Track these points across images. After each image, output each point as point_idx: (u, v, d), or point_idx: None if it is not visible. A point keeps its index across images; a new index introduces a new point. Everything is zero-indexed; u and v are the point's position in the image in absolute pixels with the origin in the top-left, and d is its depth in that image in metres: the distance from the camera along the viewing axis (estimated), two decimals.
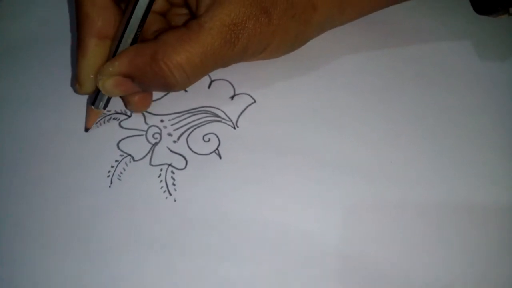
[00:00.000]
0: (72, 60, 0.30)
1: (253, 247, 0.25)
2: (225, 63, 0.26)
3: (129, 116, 0.29)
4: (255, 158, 0.27)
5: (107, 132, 0.28)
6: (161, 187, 0.27)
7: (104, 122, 0.29)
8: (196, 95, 0.30)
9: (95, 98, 0.27)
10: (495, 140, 0.29)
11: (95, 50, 0.26)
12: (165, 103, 0.29)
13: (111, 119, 0.29)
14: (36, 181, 0.27)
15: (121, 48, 0.25)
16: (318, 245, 0.25)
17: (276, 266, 0.25)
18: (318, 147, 0.28)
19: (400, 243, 0.26)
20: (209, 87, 0.30)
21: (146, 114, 0.29)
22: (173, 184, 0.27)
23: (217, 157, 0.28)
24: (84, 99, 0.29)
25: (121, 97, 0.29)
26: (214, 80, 0.30)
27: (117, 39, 0.25)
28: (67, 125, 0.28)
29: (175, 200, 0.26)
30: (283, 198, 0.26)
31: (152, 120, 0.29)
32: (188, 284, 0.25)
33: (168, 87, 0.26)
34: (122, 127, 0.29)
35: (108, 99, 0.27)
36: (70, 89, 0.30)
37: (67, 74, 0.30)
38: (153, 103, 0.29)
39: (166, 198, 0.26)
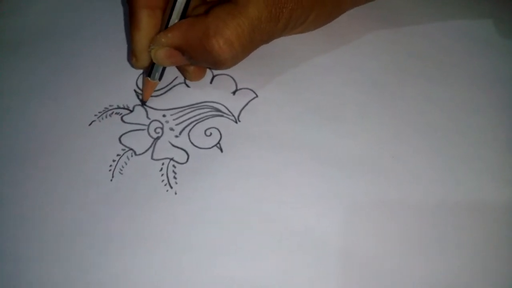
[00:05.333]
0: (127, 36, 0.31)
1: (255, 241, 0.25)
2: (269, 38, 0.27)
3: (131, 111, 0.29)
4: (257, 153, 0.27)
5: (109, 126, 0.28)
6: (162, 181, 0.27)
7: (106, 117, 0.29)
8: (198, 90, 0.30)
9: (151, 70, 0.28)
10: (498, 136, 0.28)
11: (148, 22, 0.27)
12: (167, 98, 0.29)
13: (113, 113, 0.29)
14: (39, 176, 0.27)
15: (172, 19, 0.26)
16: (320, 239, 0.25)
17: (278, 260, 0.25)
18: (320, 142, 0.28)
19: (402, 240, 0.25)
20: (211, 82, 0.30)
21: (148, 108, 0.29)
22: (174, 178, 0.27)
23: (219, 151, 0.27)
24: (89, 92, 0.29)
25: (177, 67, 0.29)
26: (216, 75, 0.30)
27: (169, 10, 0.26)
28: (69, 120, 0.29)
29: (176, 194, 0.26)
30: (284, 192, 0.26)
31: (154, 114, 0.29)
32: (189, 278, 0.24)
33: (217, 64, 0.26)
34: (124, 122, 0.29)
35: (163, 70, 0.28)
36: (76, 83, 0.30)
37: (70, 68, 0.30)
38: (155, 98, 0.29)
39: (167, 191, 0.26)
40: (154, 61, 0.27)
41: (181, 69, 0.29)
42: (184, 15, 0.27)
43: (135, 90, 0.30)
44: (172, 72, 0.30)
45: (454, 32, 0.32)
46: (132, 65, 0.29)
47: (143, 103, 0.29)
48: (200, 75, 0.29)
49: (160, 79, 0.28)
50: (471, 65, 0.31)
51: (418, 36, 0.32)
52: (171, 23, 0.26)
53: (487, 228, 0.26)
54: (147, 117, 0.29)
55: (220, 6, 0.25)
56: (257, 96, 0.29)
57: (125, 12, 0.33)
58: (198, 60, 0.27)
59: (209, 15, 0.25)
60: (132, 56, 0.28)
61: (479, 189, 0.27)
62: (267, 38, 0.27)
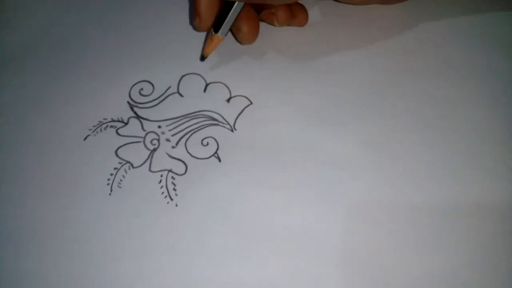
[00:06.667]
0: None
1: (256, 248, 0.25)
2: None
3: (126, 124, 0.29)
4: (255, 160, 0.28)
5: (105, 140, 0.28)
6: (162, 193, 0.27)
7: (101, 130, 0.28)
8: (192, 99, 0.30)
9: (219, 26, 0.28)
10: (498, 135, 0.29)
11: None
12: (162, 109, 0.29)
13: (108, 127, 0.29)
14: (36, 191, 0.27)
15: None
16: (320, 241, 0.26)
17: (280, 266, 0.25)
18: (317, 145, 0.28)
19: (403, 239, 0.26)
20: (204, 90, 0.30)
21: (142, 120, 0.29)
22: (174, 190, 0.27)
23: (217, 160, 0.28)
24: (82, 106, 0.29)
25: (231, 30, 0.30)
26: (210, 83, 0.30)
27: None
28: (63, 135, 0.28)
29: (176, 205, 0.26)
30: (284, 198, 0.27)
31: (150, 126, 0.29)
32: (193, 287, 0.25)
33: None
34: (119, 135, 0.28)
35: (229, 28, 0.29)
36: (68, 97, 0.29)
37: (66, 80, 0.30)
38: (149, 109, 0.29)
39: (168, 203, 0.26)
40: None
41: (235, 30, 0.30)
42: None
43: (128, 102, 0.29)
44: (165, 82, 0.30)
45: (452, 31, 0.32)
46: (195, 27, 0.30)
47: (202, 58, 0.30)
48: (252, 37, 0.30)
49: (225, 35, 0.29)
50: (471, 63, 0.31)
51: (416, 36, 0.32)
52: None
53: (486, 228, 0.26)
54: (143, 129, 0.29)
55: None
56: (251, 103, 0.29)
57: (114, 22, 0.32)
58: None
59: None
60: (195, 15, 0.28)
61: (479, 189, 0.27)
62: None
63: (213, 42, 0.29)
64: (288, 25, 0.31)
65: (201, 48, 0.31)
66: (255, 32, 0.30)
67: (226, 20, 0.28)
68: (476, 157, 0.28)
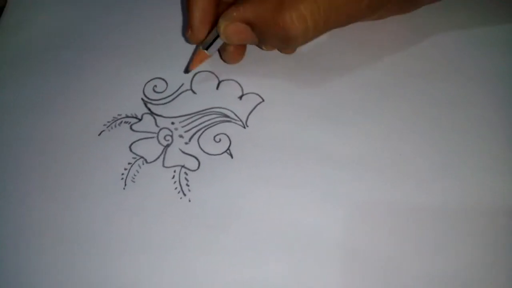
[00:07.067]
0: (183, 10, 0.32)
1: (268, 244, 0.26)
2: (347, 20, 0.26)
3: (140, 120, 0.29)
4: (267, 157, 0.28)
5: (119, 135, 0.29)
6: (175, 188, 0.27)
7: (115, 126, 0.29)
8: (205, 96, 0.30)
9: (210, 44, 0.28)
10: (500, 135, 0.29)
11: None
12: (175, 105, 0.30)
13: (122, 122, 0.29)
14: (51, 186, 0.27)
15: None
16: (330, 240, 0.26)
17: (291, 262, 0.25)
18: (327, 143, 0.28)
19: (405, 238, 0.26)
20: (217, 88, 0.30)
21: (156, 117, 0.29)
22: (187, 185, 0.27)
23: (229, 156, 0.28)
24: (97, 102, 0.30)
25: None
26: (222, 80, 0.30)
27: None
28: (78, 131, 0.29)
29: (189, 201, 0.27)
30: (295, 195, 0.27)
31: (163, 122, 0.29)
32: (205, 283, 0.25)
33: (287, 41, 0.25)
34: (133, 130, 0.29)
35: (218, 47, 0.28)
36: (84, 94, 0.30)
37: (76, 80, 0.31)
38: (163, 106, 0.30)
39: (181, 198, 0.27)
40: (223, 37, 0.26)
41: (220, 48, 0.29)
42: None
43: (142, 99, 0.30)
44: (178, 79, 0.30)
45: (455, 32, 0.32)
46: (187, 39, 0.29)
47: (187, 71, 0.29)
48: (237, 57, 0.29)
49: (212, 53, 0.29)
50: (473, 63, 0.31)
51: (419, 36, 0.32)
52: None
53: (487, 228, 0.26)
54: (156, 125, 0.29)
55: None
56: (263, 100, 0.30)
57: (128, 21, 0.33)
58: (268, 37, 0.26)
59: None
60: (188, 29, 0.28)
61: (480, 189, 0.27)
62: (345, 20, 0.26)
63: (200, 57, 0.29)
64: None
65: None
66: (241, 53, 0.30)
67: (216, 40, 0.27)
68: (477, 157, 0.28)
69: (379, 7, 0.27)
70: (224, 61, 0.30)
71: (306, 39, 0.26)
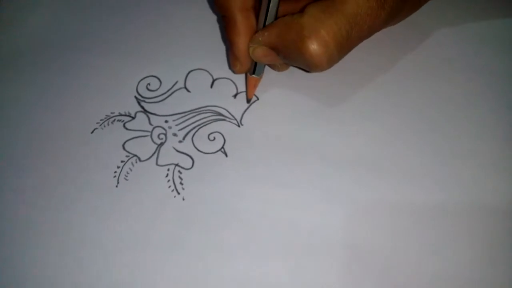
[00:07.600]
0: (225, 43, 0.32)
1: (262, 243, 0.26)
2: (369, 33, 0.26)
3: (133, 118, 0.29)
4: (261, 155, 0.28)
5: (112, 133, 0.28)
6: (169, 186, 0.27)
7: (108, 124, 0.29)
8: (199, 94, 0.30)
9: (254, 67, 0.28)
10: (499, 135, 0.29)
11: (246, 24, 0.27)
12: (169, 104, 0.29)
13: (115, 121, 0.29)
14: (43, 183, 0.27)
15: (269, 17, 0.26)
16: (325, 238, 0.26)
17: (285, 261, 0.25)
18: (322, 142, 0.28)
19: (405, 238, 0.26)
20: (211, 86, 0.30)
21: (150, 115, 0.29)
22: (181, 184, 0.27)
23: (223, 155, 0.28)
24: (90, 100, 0.29)
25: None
26: (216, 79, 0.30)
27: (264, 9, 0.26)
28: (71, 128, 0.29)
29: (183, 199, 0.27)
30: (289, 194, 0.27)
31: (157, 121, 0.29)
32: (199, 282, 0.25)
33: (311, 67, 0.25)
34: (126, 129, 0.29)
35: (263, 67, 0.29)
36: (77, 92, 0.30)
37: (69, 78, 0.30)
38: (156, 104, 0.29)
39: (175, 197, 0.27)
40: (253, 59, 0.27)
41: (268, 65, 0.30)
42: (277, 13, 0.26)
43: (135, 97, 0.30)
44: (172, 77, 0.30)
45: (455, 32, 0.32)
46: (234, 71, 0.29)
47: (248, 101, 0.30)
48: (287, 67, 0.30)
49: (261, 73, 0.29)
50: (472, 62, 0.31)
51: (417, 35, 0.32)
52: (268, 21, 0.26)
53: (488, 227, 0.26)
54: (150, 123, 0.29)
55: (316, 4, 0.24)
56: (258, 99, 0.30)
57: (117, 22, 0.33)
58: (293, 62, 0.26)
59: (304, 13, 0.24)
60: (234, 62, 0.28)
61: (480, 188, 0.27)
62: (367, 33, 0.26)
63: (253, 83, 0.29)
64: None
65: (208, 42, 0.31)
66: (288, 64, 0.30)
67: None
68: (477, 157, 0.28)
69: (398, 13, 0.27)
70: (277, 71, 0.30)
71: (332, 63, 0.26)
